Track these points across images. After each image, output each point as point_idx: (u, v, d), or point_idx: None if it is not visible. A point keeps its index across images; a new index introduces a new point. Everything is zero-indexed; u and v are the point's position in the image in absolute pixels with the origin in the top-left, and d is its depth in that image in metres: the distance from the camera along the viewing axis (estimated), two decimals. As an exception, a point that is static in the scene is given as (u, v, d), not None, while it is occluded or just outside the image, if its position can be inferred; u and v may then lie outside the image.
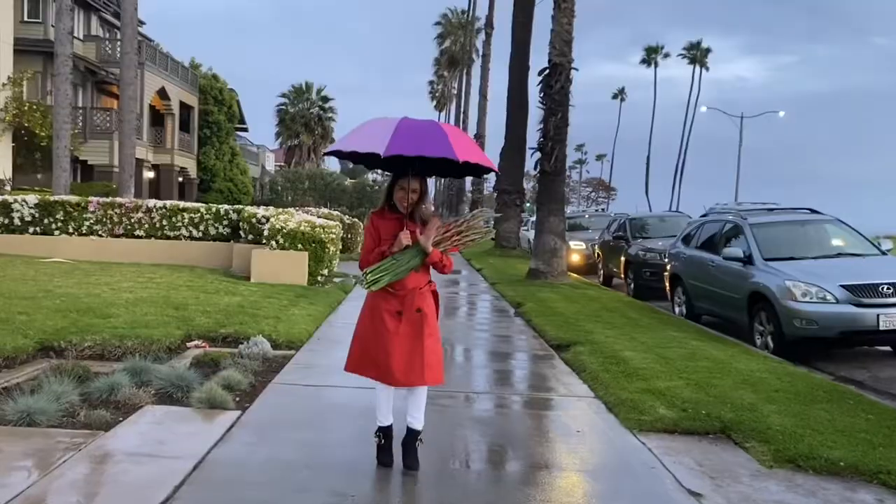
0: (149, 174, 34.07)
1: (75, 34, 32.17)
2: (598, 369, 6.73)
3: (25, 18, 29.32)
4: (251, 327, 7.69)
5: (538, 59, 41.85)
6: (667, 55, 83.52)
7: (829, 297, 8.39)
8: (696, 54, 79.52)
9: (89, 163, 30.19)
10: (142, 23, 37.65)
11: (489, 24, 39.89)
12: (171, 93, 35.61)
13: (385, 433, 4.25)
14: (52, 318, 7.24)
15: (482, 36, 44.79)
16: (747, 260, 9.68)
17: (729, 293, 10.02)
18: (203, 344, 7.21)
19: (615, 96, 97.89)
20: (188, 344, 7.18)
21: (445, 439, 4.76)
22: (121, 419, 4.79)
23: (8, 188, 21.57)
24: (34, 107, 22.86)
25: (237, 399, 5.43)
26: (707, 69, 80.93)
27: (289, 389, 5.82)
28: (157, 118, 36.09)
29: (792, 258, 9.43)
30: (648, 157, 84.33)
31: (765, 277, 9.16)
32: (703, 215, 12.42)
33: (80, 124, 29.50)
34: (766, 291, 8.98)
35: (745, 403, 5.66)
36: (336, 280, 13.39)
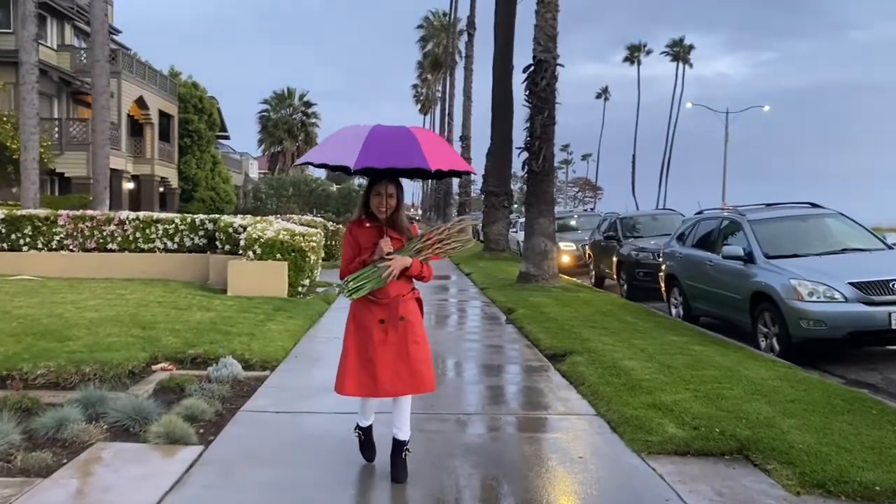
0: (129, 185, 33.37)
1: (49, 44, 31.47)
2: (598, 382, 6.22)
3: (-4, 29, 28.62)
4: (222, 346, 7.13)
5: (521, 59, 41.48)
6: (650, 52, 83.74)
7: (837, 295, 7.94)
8: (680, 51, 79.64)
9: (66, 175, 29.48)
10: (117, 31, 37.04)
11: (471, 24, 39.44)
12: (150, 102, 34.94)
13: (365, 431, 4.30)
14: (4, 344, 6.65)
15: (465, 37, 44.30)
16: (748, 258, 9.22)
17: (729, 293, 9.56)
18: (169, 366, 6.65)
19: (599, 96, 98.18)
20: (153, 367, 6.62)
21: (434, 474, 4.22)
22: (65, 461, 4.23)
23: (-21, 203, 20.87)
24: (5, 118, 22.12)
25: (201, 431, 4.88)
26: (690, 66, 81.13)
27: (259, 418, 5.27)
28: (136, 128, 35.41)
29: (795, 255, 8.99)
30: (634, 156, 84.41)
31: (768, 276, 8.70)
32: (698, 213, 11.96)
33: (57, 136, 28.81)
34: (770, 291, 8.52)
35: (761, 418, 5.17)
36: (319, 290, 12.84)
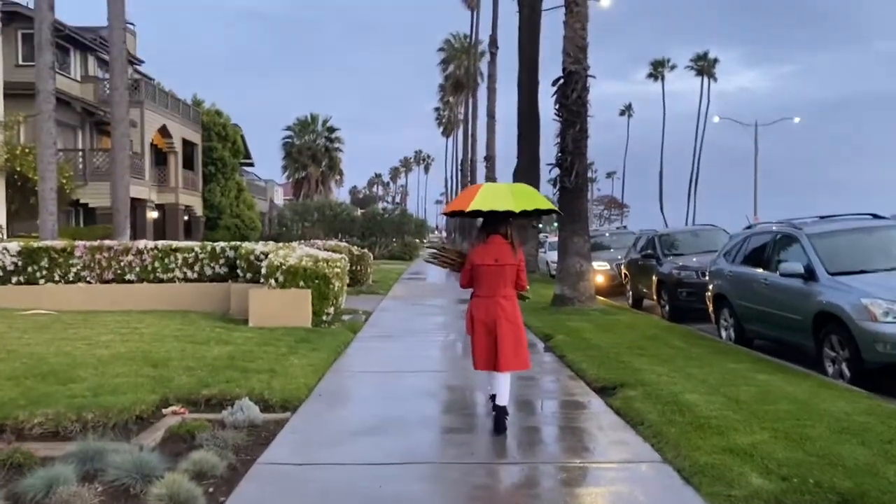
0: (153, 214, 33.20)
1: (72, 75, 31.49)
2: (660, 421, 5.49)
3: (20, 62, 28.65)
4: (240, 385, 6.51)
5: (545, 75, 40.81)
6: (673, 67, 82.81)
7: (917, 315, 7.14)
8: (704, 65, 78.75)
9: (90, 206, 29.29)
10: (140, 61, 37.12)
11: (493, 43, 38.99)
12: (174, 130, 34.84)
13: None
14: (1, 388, 6.09)
15: (486, 58, 43.87)
16: (809, 275, 8.45)
17: (789, 314, 8.77)
18: (181, 410, 6.04)
19: (623, 113, 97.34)
20: (164, 410, 6.01)
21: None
22: (47, 536, 3.62)
23: (2, 235, 20.63)
24: (27, 151, 21.94)
25: (210, 490, 4.25)
26: (715, 80, 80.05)
27: (277, 472, 4.61)
28: (160, 157, 35.30)
29: (863, 271, 8.19)
30: (661, 172, 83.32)
31: (834, 295, 7.92)
32: (748, 227, 11.19)
33: (81, 166, 28.68)
34: (838, 311, 7.74)
35: (860, 464, 4.41)
36: (345, 318, 12.22)
